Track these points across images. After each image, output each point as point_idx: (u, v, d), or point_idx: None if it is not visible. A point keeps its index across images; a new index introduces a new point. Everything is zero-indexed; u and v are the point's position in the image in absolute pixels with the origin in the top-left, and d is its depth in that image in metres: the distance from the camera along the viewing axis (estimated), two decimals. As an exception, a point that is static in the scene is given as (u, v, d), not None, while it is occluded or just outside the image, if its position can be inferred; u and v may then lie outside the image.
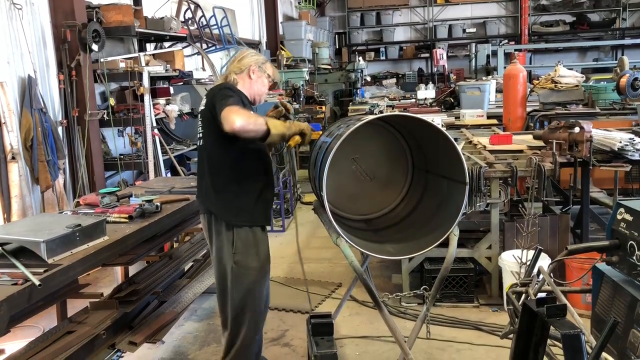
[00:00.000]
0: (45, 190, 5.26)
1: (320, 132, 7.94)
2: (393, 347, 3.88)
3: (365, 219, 3.56)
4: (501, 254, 4.43)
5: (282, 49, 12.87)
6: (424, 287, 3.67)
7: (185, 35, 7.76)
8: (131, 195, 3.92)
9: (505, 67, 8.58)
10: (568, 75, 6.94)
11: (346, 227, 3.18)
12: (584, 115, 6.18)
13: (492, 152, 4.92)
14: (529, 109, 6.76)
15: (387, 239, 3.25)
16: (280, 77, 3.47)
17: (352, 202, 3.54)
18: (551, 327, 1.81)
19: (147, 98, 6.16)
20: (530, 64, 16.08)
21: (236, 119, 2.74)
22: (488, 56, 13.93)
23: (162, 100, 6.66)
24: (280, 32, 14.02)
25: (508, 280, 4.22)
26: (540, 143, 4.93)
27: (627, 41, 15.68)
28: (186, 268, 4.55)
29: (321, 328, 1.63)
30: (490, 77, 10.69)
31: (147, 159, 6.20)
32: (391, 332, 2.93)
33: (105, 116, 6.00)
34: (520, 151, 4.97)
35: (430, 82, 12.33)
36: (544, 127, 5.98)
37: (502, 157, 4.72)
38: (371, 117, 2.97)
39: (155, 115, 6.38)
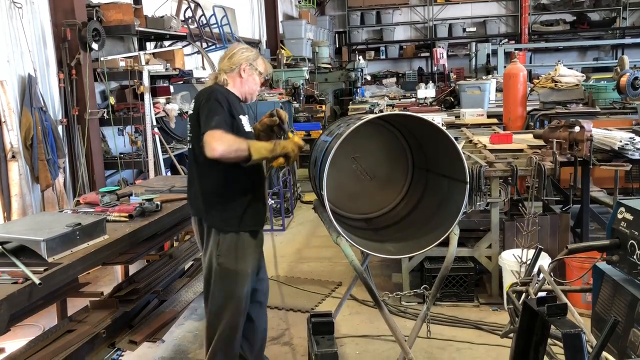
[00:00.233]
0: (46, 189, 5.25)
1: (320, 132, 7.94)
2: (393, 346, 3.88)
3: (365, 218, 3.56)
4: (501, 253, 4.43)
5: (282, 48, 12.87)
6: (424, 286, 3.68)
7: (185, 34, 7.76)
8: (131, 194, 3.91)
9: (505, 67, 8.58)
10: (568, 74, 6.94)
11: (346, 226, 3.18)
12: (584, 115, 6.18)
13: (492, 151, 4.93)
14: (529, 108, 6.76)
15: (387, 238, 3.25)
16: (272, 70, 3.42)
17: (353, 201, 3.54)
18: (551, 326, 1.81)
19: (147, 97, 6.16)
20: (531, 63, 16.07)
21: (217, 147, 2.76)
22: (488, 55, 13.93)
23: (162, 99, 6.65)
24: (281, 31, 14.01)
25: (508, 280, 4.22)
26: (541, 142, 4.93)
27: (628, 40, 15.67)
28: (186, 267, 4.54)
29: (322, 327, 1.63)
30: (491, 76, 10.70)
31: (147, 157, 6.19)
32: (391, 331, 2.93)
33: (105, 115, 5.99)
34: (521, 150, 4.97)
35: (431, 82, 12.34)
36: (544, 127, 5.97)
37: (502, 156, 4.72)
38: (371, 116, 2.97)
39: (155, 114, 6.38)
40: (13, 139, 4.96)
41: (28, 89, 5.12)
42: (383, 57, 18.17)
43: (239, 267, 3.09)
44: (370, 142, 3.47)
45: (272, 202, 7.12)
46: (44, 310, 3.36)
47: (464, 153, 2.97)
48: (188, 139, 3.17)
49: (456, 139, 2.97)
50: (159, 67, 6.65)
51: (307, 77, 10.97)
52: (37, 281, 2.47)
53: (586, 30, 16.84)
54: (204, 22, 8.51)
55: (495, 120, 6.89)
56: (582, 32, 16.87)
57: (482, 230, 4.69)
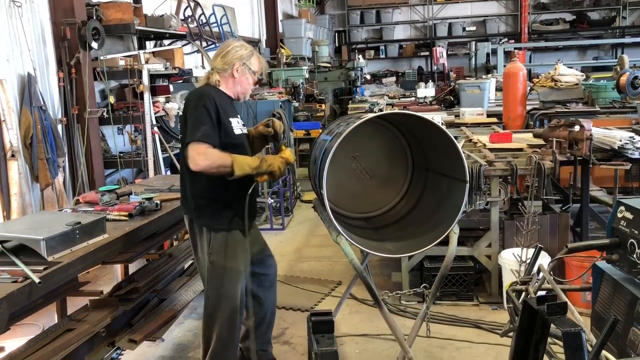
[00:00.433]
0: (45, 188, 5.25)
1: (320, 131, 7.93)
2: (393, 345, 3.88)
3: (365, 217, 3.56)
4: (501, 253, 4.43)
5: (282, 47, 12.86)
6: (423, 285, 3.67)
7: (184, 33, 7.75)
8: (131, 193, 3.91)
9: (505, 66, 8.58)
10: (568, 73, 6.94)
11: (346, 225, 3.18)
12: (583, 114, 6.18)
13: (492, 150, 4.92)
14: (528, 108, 6.76)
15: (387, 237, 3.26)
16: (268, 67, 3.42)
17: (352, 200, 3.54)
18: (551, 325, 1.81)
19: (146, 96, 6.15)
20: (530, 62, 16.05)
21: (200, 162, 2.84)
22: (488, 54, 13.93)
23: (161, 98, 6.64)
24: (280, 30, 14.01)
25: (508, 279, 4.23)
26: (540, 141, 4.93)
27: (627, 40, 15.68)
28: (186, 266, 4.54)
29: (322, 325, 1.63)
30: (490, 75, 10.71)
31: (146, 157, 6.19)
32: (391, 330, 2.93)
33: (104, 114, 5.99)
34: (520, 149, 4.97)
35: (430, 81, 12.33)
36: (543, 126, 5.97)
37: (502, 156, 4.72)
38: (371, 115, 2.97)
39: (154, 113, 6.38)
40: (12, 137, 4.96)
41: (27, 88, 5.12)
42: (383, 56, 18.17)
43: (230, 264, 3.11)
44: (370, 141, 3.47)
45: (272, 201, 7.12)
46: (44, 309, 3.36)
47: (463, 152, 2.97)
48: (180, 137, 3.17)
49: (456, 138, 2.98)
50: (158, 66, 6.65)
51: (307, 76, 10.96)
52: (37, 280, 2.47)
53: (586, 29, 16.84)
54: (204, 21, 8.50)
55: (495, 120, 6.89)
56: (581, 31, 16.87)
57: (481, 230, 4.70)
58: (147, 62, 6.48)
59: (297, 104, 9.71)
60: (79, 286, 3.55)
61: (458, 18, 17.75)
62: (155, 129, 6.32)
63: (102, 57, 6.05)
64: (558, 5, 17.11)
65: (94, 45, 5.75)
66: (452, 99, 8.57)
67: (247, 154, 3.16)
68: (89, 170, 5.80)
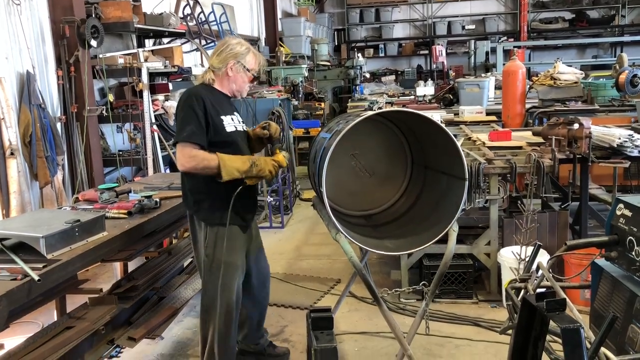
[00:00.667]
0: (44, 186, 5.25)
1: (319, 129, 7.93)
2: (392, 342, 3.89)
3: (364, 214, 3.56)
4: (500, 250, 4.44)
5: (281, 46, 12.86)
6: (423, 282, 3.68)
7: (184, 31, 7.74)
8: (130, 191, 3.91)
9: (504, 64, 8.57)
10: (567, 72, 6.94)
11: (345, 222, 3.18)
12: (583, 112, 6.18)
13: (491, 148, 4.92)
14: (528, 106, 6.76)
15: (386, 235, 3.26)
16: (265, 64, 3.46)
17: (352, 198, 3.54)
18: (550, 322, 1.82)
19: (145, 94, 6.15)
20: (530, 60, 16.06)
21: (185, 164, 2.95)
22: (487, 53, 13.92)
23: (160, 97, 6.64)
24: (279, 28, 14.00)
25: (507, 277, 4.23)
26: (540, 139, 4.93)
27: (626, 38, 15.67)
28: (185, 264, 4.54)
29: (321, 322, 1.64)
30: (489, 73, 10.70)
31: (146, 155, 6.19)
32: (390, 328, 2.94)
33: (104, 112, 5.99)
34: (520, 147, 4.97)
35: (429, 79, 12.33)
36: (543, 124, 5.97)
37: (501, 154, 4.72)
38: (370, 112, 2.97)
39: (154, 112, 6.38)
40: (12, 136, 4.96)
41: (27, 86, 5.12)
42: (382, 54, 18.16)
43: (226, 259, 3.15)
44: (370, 139, 3.47)
45: (271, 199, 7.13)
46: (43, 307, 3.36)
47: (462, 150, 2.97)
48: None
49: (455, 136, 2.98)
50: (157, 65, 6.65)
51: (306, 74, 10.96)
52: (36, 278, 2.47)
53: (585, 27, 16.84)
54: (203, 19, 8.50)
55: (494, 118, 6.89)
56: (581, 29, 16.87)
57: (480, 228, 4.70)
58: (146, 60, 6.48)
59: (296, 103, 9.71)
60: (78, 284, 3.55)
61: (457, 16, 17.73)
62: (155, 127, 6.32)
63: (101, 55, 6.05)
64: (557, 4, 17.11)
65: (93, 43, 5.75)
66: (452, 97, 8.57)
67: (241, 152, 3.18)
68: (88, 168, 5.80)
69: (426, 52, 17.47)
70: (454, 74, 13.47)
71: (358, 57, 12.63)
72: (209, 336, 3.22)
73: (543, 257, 3.97)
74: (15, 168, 4.97)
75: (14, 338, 3.61)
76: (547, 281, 2.38)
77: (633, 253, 2.32)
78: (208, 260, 3.16)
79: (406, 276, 4.73)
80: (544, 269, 2.40)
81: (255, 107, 7.82)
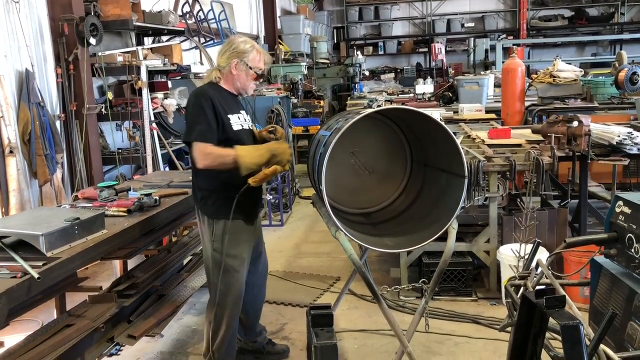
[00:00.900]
0: (44, 184, 5.25)
1: (319, 127, 7.94)
2: (391, 340, 3.89)
3: (364, 212, 3.56)
4: (499, 248, 4.44)
5: (280, 43, 12.84)
6: (422, 280, 3.68)
7: (183, 29, 7.73)
8: (129, 189, 3.91)
9: (503, 62, 8.56)
10: (566, 69, 6.94)
11: (345, 220, 3.18)
12: (582, 110, 6.18)
13: (490, 146, 4.92)
14: (527, 104, 6.75)
15: (385, 233, 3.26)
16: (270, 62, 3.50)
17: (351, 196, 3.54)
18: (549, 319, 1.82)
19: (145, 92, 6.15)
20: (529, 58, 16.04)
21: (201, 161, 3.02)
22: (486, 51, 13.92)
23: (160, 94, 6.64)
24: (279, 26, 13.98)
25: (506, 274, 4.23)
26: (539, 137, 4.94)
27: (626, 36, 15.66)
28: (185, 262, 4.54)
29: (321, 319, 1.64)
30: (489, 71, 10.69)
31: (145, 153, 6.19)
32: (390, 325, 2.94)
33: (103, 110, 5.98)
34: (519, 145, 4.97)
35: (429, 77, 12.32)
36: (542, 122, 5.98)
37: (501, 151, 4.72)
38: (370, 110, 2.97)
39: (153, 110, 6.37)
40: (11, 134, 4.95)
41: (25, 84, 5.11)
42: (381, 52, 18.15)
43: (233, 252, 3.22)
44: (369, 136, 3.47)
45: (271, 197, 7.13)
46: (43, 305, 3.35)
47: (462, 148, 2.97)
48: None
49: (454, 134, 2.97)
50: (156, 62, 6.64)
51: (306, 72, 10.94)
52: (36, 275, 2.47)
53: (584, 25, 16.83)
54: (202, 17, 8.49)
55: (493, 116, 6.89)
56: (580, 27, 16.86)
57: (480, 225, 4.70)
58: (145, 58, 6.48)
59: (295, 100, 9.71)
60: (78, 282, 3.54)
61: (456, 14, 17.72)
62: (154, 125, 6.31)
63: (100, 53, 6.04)
64: (557, 2, 17.10)
65: (92, 41, 5.74)
66: (451, 95, 8.57)
67: None
68: (87, 166, 5.80)
69: (425, 49, 17.46)
70: (453, 71, 13.45)
71: (357, 55, 12.62)
72: (220, 328, 3.30)
73: (542, 255, 3.97)
74: (14, 166, 4.97)
75: (14, 336, 3.61)
76: (547, 278, 2.38)
77: (632, 250, 2.32)
78: (216, 254, 3.23)
79: (405, 274, 4.73)
80: (543, 267, 2.40)
81: (255, 105, 7.82)
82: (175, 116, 6.95)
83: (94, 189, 3.89)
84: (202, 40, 8.63)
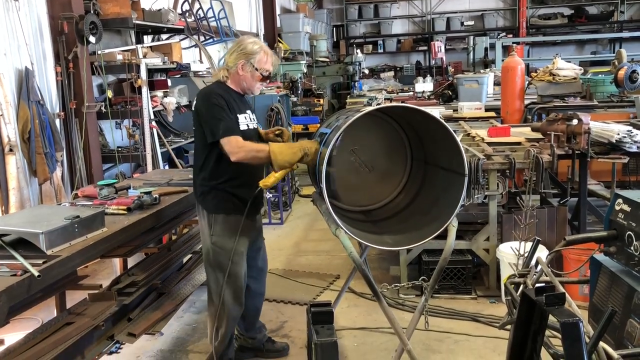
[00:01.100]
0: (43, 182, 5.25)
1: (318, 125, 7.93)
2: (391, 338, 3.90)
3: (364, 210, 3.56)
4: (499, 246, 4.44)
5: (280, 42, 12.83)
6: (422, 278, 3.68)
7: (182, 27, 7.73)
8: (129, 187, 3.91)
9: (503, 60, 8.56)
10: (566, 67, 6.94)
11: (345, 218, 3.18)
12: (582, 108, 6.18)
13: (490, 144, 4.92)
14: (527, 102, 6.76)
15: (385, 230, 3.26)
16: (277, 63, 3.53)
17: (351, 194, 3.54)
18: (549, 317, 1.82)
19: (144, 90, 6.15)
20: (529, 56, 16.04)
21: (234, 154, 3.04)
22: (486, 49, 13.92)
23: (159, 93, 6.64)
24: (278, 24, 13.96)
25: (506, 272, 4.24)
26: (538, 135, 4.94)
27: (625, 34, 15.65)
28: (185, 260, 4.55)
29: (321, 316, 1.64)
30: (488, 69, 10.69)
31: (144, 151, 6.19)
32: (390, 323, 2.94)
33: (102, 108, 5.98)
34: (518, 143, 4.97)
35: (428, 75, 12.33)
36: (542, 120, 5.98)
37: (500, 149, 4.72)
38: (370, 108, 2.96)
39: (152, 108, 6.37)
40: (10, 132, 4.95)
41: (25, 82, 5.11)
42: (381, 50, 18.13)
43: (231, 246, 3.26)
44: (369, 134, 3.46)
45: (270, 195, 7.13)
46: (43, 304, 3.36)
47: (462, 146, 2.97)
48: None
49: (454, 132, 2.97)
50: (156, 61, 6.64)
51: (305, 70, 10.95)
52: (36, 273, 2.47)
53: (584, 23, 16.81)
54: (202, 15, 8.48)
55: (493, 114, 6.89)
56: (580, 25, 16.84)
57: (479, 223, 4.70)
58: (144, 57, 6.48)
59: (295, 99, 9.70)
60: (78, 280, 3.54)
61: (456, 12, 17.70)
62: (153, 123, 6.31)
63: (99, 52, 6.04)
64: (556, 0, 17.09)
65: (92, 39, 5.74)
66: (450, 93, 8.57)
67: None
68: (87, 164, 5.80)
69: (425, 48, 17.44)
70: (452, 70, 13.42)
71: (357, 53, 12.62)
72: (216, 324, 3.35)
73: (542, 253, 3.97)
74: (14, 164, 4.97)
75: (14, 334, 3.61)
76: (546, 276, 2.38)
77: (632, 248, 2.32)
78: (215, 247, 3.28)
79: (405, 272, 4.74)
80: (543, 264, 2.40)
81: (254, 103, 7.81)
82: (174, 114, 6.95)
83: (93, 187, 3.89)
84: (202, 38, 8.62)
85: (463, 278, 4.58)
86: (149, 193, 3.68)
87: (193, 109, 3.31)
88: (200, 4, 8.51)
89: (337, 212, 2.91)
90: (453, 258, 4.48)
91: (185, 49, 8.40)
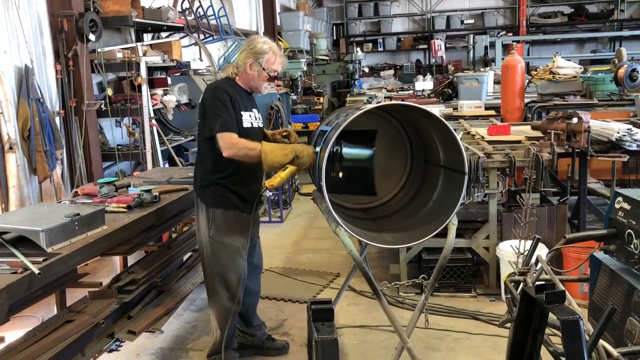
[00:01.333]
0: (43, 180, 5.25)
1: (318, 124, 7.94)
2: (391, 336, 3.90)
3: (364, 208, 3.56)
4: (499, 244, 4.45)
5: (280, 40, 12.81)
6: (422, 276, 3.68)
7: (182, 25, 7.73)
8: (129, 185, 3.91)
9: (503, 59, 8.57)
10: (566, 66, 6.94)
11: (345, 216, 3.18)
12: (582, 106, 6.19)
13: (490, 142, 4.93)
14: (527, 100, 6.76)
15: (385, 228, 3.26)
16: (286, 63, 3.56)
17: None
18: (549, 315, 1.82)
19: (144, 88, 6.14)
20: (528, 55, 16.03)
21: (226, 150, 3.06)
22: (486, 47, 13.91)
23: (159, 91, 6.63)
24: (278, 22, 13.95)
25: (506, 270, 4.24)
26: (538, 134, 4.94)
27: (625, 33, 15.65)
28: (185, 258, 4.55)
29: (322, 314, 1.64)
30: (488, 68, 10.69)
31: (144, 149, 6.19)
32: (390, 321, 2.94)
33: (102, 106, 5.98)
34: (518, 142, 4.97)
35: (428, 74, 12.29)
36: (541, 118, 5.98)
37: (500, 148, 4.73)
38: (370, 106, 2.97)
39: (152, 106, 6.36)
40: (10, 130, 4.95)
41: (25, 80, 5.10)
42: (381, 49, 18.11)
43: (228, 240, 3.30)
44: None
45: (270, 193, 7.13)
46: (43, 301, 3.36)
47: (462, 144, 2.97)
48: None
49: (454, 130, 2.97)
50: (156, 59, 6.63)
51: (305, 69, 10.94)
52: (37, 271, 2.47)
53: (584, 22, 16.80)
54: (202, 13, 8.48)
55: (493, 112, 6.90)
56: (580, 24, 16.83)
57: (479, 222, 4.71)
58: (144, 55, 6.47)
59: (295, 97, 9.70)
60: (78, 278, 3.55)
61: (456, 11, 17.68)
62: (153, 121, 6.31)
63: (99, 50, 6.03)
64: (556, -2, 17.08)
65: (92, 37, 5.73)
66: (450, 91, 8.57)
67: None
68: (87, 162, 5.80)
69: (425, 46, 17.42)
70: (452, 68, 13.40)
71: (357, 51, 12.59)
72: (218, 314, 3.40)
73: (542, 251, 3.97)
74: (14, 162, 4.97)
75: (14, 332, 3.61)
76: (546, 274, 2.38)
77: (631, 246, 2.32)
78: (212, 241, 3.30)
79: (405, 270, 4.74)
80: (543, 262, 2.40)
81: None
82: (174, 113, 6.95)
83: (93, 185, 3.89)
84: (202, 36, 8.62)
85: (463, 276, 4.58)
86: (149, 191, 3.67)
87: (199, 102, 3.35)
88: (200, 2, 8.51)
89: (337, 210, 2.92)
90: (453, 256, 4.48)
91: (185, 47, 8.39)
